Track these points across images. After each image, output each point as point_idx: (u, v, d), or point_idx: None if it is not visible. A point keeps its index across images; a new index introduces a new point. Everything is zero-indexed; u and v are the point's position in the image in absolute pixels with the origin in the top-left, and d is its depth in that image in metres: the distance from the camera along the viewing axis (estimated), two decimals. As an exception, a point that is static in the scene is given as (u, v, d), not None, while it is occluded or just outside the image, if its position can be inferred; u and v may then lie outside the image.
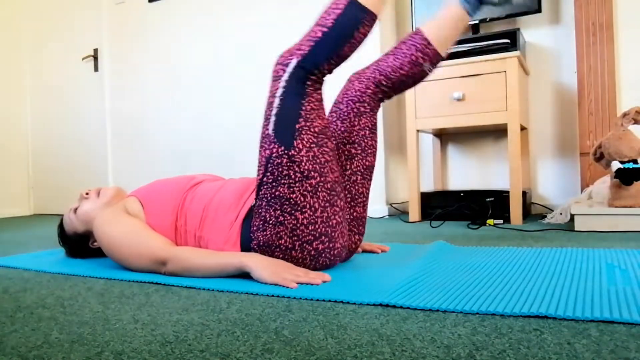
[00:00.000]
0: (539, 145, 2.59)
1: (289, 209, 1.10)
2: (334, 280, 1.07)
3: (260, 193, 1.14)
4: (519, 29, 2.28)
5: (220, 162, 3.13)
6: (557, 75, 2.53)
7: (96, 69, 3.59)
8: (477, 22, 2.48)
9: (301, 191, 1.10)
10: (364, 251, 1.45)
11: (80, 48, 3.65)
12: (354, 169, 1.24)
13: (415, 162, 2.39)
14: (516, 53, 2.17)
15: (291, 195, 1.10)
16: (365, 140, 1.25)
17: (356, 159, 1.24)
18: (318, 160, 1.11)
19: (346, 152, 1.24)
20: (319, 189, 1.11)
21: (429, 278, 1.05)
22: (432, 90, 2.33)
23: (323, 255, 1.14)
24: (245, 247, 1.18)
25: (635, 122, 1.85)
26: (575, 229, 1.83)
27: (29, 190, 3.93)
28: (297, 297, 0.96)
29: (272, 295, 0.98)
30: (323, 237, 1.13)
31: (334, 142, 1.23)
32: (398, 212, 2.79)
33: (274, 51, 2.92)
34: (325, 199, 1.12)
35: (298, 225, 1.11)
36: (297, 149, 1.09)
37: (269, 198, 1.12)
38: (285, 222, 1.11)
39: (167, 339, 0.74)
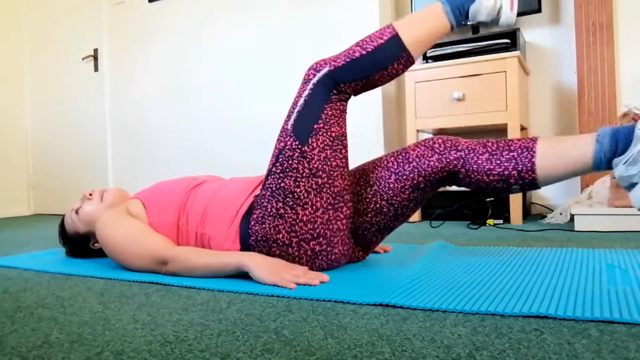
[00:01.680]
0: (539, 145, 2.58)
1: (290, 202, 1.11)
2: (334, 280, 1.07)
3: (267, 182, 1.15)
4: (519, 29, 2.28)
5: (220, 162, 3.13)
6: (557, 75, 2.53)
7: (96, 69, 3.58)
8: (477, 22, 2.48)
9: (306, 187, 1.10)
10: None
11: (80, 48, 3.64)
12: (373, 222, 1.19)
13: (415, 162, 2.38)
14: (516, 53, 2.17)
15: (295, 189, 1.11)
16: (404, 210, 1.18)
17: (382, 216, 1.18)
18: (329, 163, 1.12)
19: (378, 205, 1.17)
20: (324, 190, 1.12)
21: (429, 278, 1.05)
22: (432, 90, 2.33)
23: (320, 257, 1.15)
24: (244, 243, 1.18)
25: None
26: (575, 229, 1.83)
27: (29, 190, 3.93)
28: (297, 297, 0.96)
29: (272, 295, 0.98)
30: (321, 239, 1.13)
31: (375, 189, 1.18)
32: (398, 212, 2.79)
33: (273, 51, 2.92)
34: (329, 201, 1.12)
35: (297, 221, 1.11)
36: (310, 146, 1.11)
37: (274, 188, 1.13)
38: (285, 215, 1.12)
39: (167, 339, 0.74)
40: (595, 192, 2.04)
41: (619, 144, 0.98)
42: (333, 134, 1.13)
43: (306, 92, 1.13)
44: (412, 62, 1.15)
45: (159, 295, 1.02)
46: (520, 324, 0.74)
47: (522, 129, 2.42)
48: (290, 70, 2.83)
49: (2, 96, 3.74)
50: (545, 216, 2.26)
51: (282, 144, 1.13)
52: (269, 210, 1.13)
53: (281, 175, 1.12)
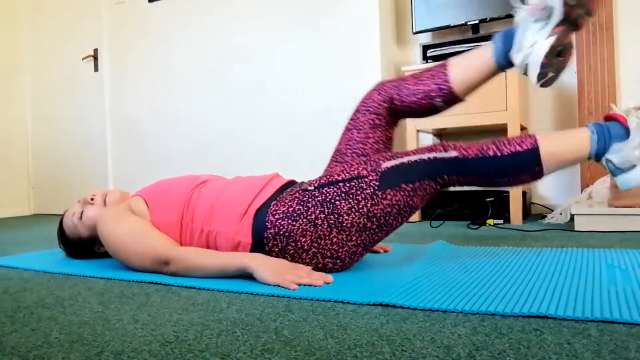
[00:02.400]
0: (539, 145, 2.58)
1: (332, 221, 1.12)
2: (334, 281, 1.07)
3: (326, 188, 1.14)
4: (519, 29, 2.28)
5: (219, 162, 3.13)
6: (557, 75, 2.53)
7: (96, 69, 3.59)
8: (477, 22, 2.48)
9: (354, 220, 1.11)
10: (366, 251, 1.45)
11: (80, 48, 3.64)
12: None
13: (415, 162, 2.38)
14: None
15: (344, 215, 1.11)
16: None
17: None
18: (387, 219, 1.13)
19: None
20: (366, 233, 1.13)
21: (429, 278, 1.05)
22: (432, 90, 2.33)
23: (327, 269, 1.17)
24: (258, 236, 1.17)
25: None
26: (575, 229, 1.83)
27: (29, 190, 3.93)
28: (297, 297, 0.96)
29: (272, 295, 0.98)
30: (338, 261, 1.15)
31: (350, 152, 1.26)
32: (398, 212, 2.79)
33: (273, 51, 2.92)
34: (365, 242, 1.15)
35: (327, 238, 1.13)
36: (384, 196, 1.10)
37: (327, 199, 1.13)
38: (320, 227, 1.12)
39: (167, 339, 0.74)
40: (595, 192, 2.04)
41: (510, 39, 1.16)
42: (410, 203, 1.12)
43: (424, 157, 1.12)
44: (540, 178, 1.12)
45: (159, 295, 1.02)
46: (520, 324, 0.74)
47: (522, 128, 2.42)
48: (291, 70, 2.83)
49: (2, 96, 3.74)
50: (545, 216, 2.26)
51: (364, 172, 1.13)
52: (309, 213, 1.13)
53: (342, 195, 1.12)
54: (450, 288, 0.96)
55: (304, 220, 1.13)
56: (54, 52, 3.77)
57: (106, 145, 3.55)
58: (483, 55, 1.21)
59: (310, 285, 1.03)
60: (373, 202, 1.10)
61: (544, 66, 1.11)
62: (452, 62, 1.24)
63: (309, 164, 2.70)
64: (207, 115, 3.17)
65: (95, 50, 3.57)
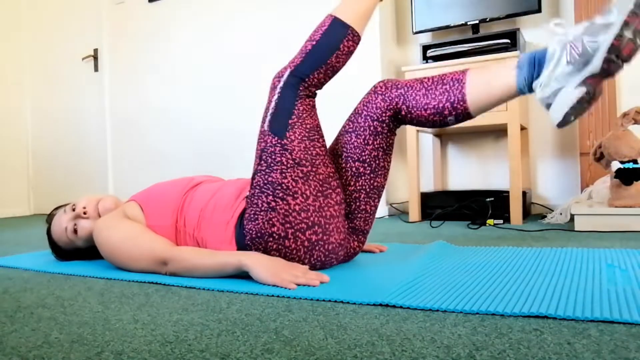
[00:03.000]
0: (539, 145, 2.59)
1: (280, 194, 1.13)
2: (334, 281, 1.08)
3: (254, 182, 1.17)
4: (519, 29, 2.28)
5: (219, 163, 3.13)
6: (557, 75, 2.52)
7: (96, 69, 3.59)
8: (477, 22, 2.48)
9: (293, 176, 1.13)
10: (362, 251, 1.45)
11: (80, 48, 3.65)
12: (358, 187, 1.22)
13: (415, 162, 2.39)
14: (516, 53, 2.17)
15: (283, 180, 1.13)
16: (377, 161, 1.22)
17: (363, 178, 1.22)
18: (310, 152, 1.15)
19: (353, 169, 1.21)
20: (311, 177, 1.14)
21: (429, 278, 1.05)
22: (432, 90, 2.33)
23: (317, 248, 1.15)
24: (241, 245, 1.18)
25: (635, 122, 1.85)
26: (575, 229, 1.83)
27: (29, 190, 3.93)
28: (297, 297, 0.96)
29: (272, 295, 0.98)
30: (316, 227, 1.14)
31: (345, 156, 1.23)
32: (398, 212, 2.79)
33: (273, 51, 2.92)
34: (317, 188, 1.14)
35: (290, 211, 1.12)
36: (289, 139, 1.14)
37: (262, 184, 1.15)
38: (277, 207, 1.13)
39: (167, 339, 0.74)
40: (595, 192, 2.04)
41: (536, 68, 1.06)
42: (308, 126, 1.17)
43: (275, 96, 1.18)
44: (358, 35, 1.21)
45: (159, 295, 1.02)
46: (520, 324, 0.74)
47: (522, 128, 2.42)
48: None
49: (2, 96, 3.74)
50: (545, 216, 2.26)
51: (262, 145, 1.17)
52: (260, 205, 1.14)
53: (267, 170, 1.14)
54: (450, 288, 0.96)
55: (261, 213, 1.14)
56: (54, 52, 3.77)
57: (106, 145, 3.55)
58: (505, 77, 1.10)
59: (306, 285, 1.03)
60: (289, 150, 1.14)
61: (568, 114, 1.03)
62: (470, 77, 1.13)
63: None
64: (207, 115, 3.17)
65: (95, 50, 3.58)
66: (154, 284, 1.13)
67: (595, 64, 0.98)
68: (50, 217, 1.45)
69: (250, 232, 1.16)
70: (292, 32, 2.85)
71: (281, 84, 1.18)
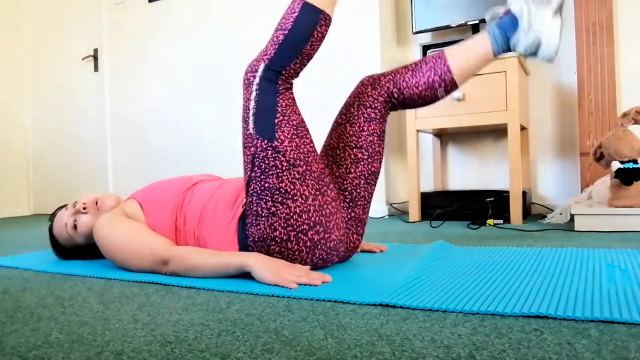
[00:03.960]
0: (539, 145, 2.59)
1: (280, 199, 1.12)
2: (334, 280, 1.08)
3: (250, 189, 1.15)
4: (519, 29, 2.28)
5: (219, 162, 3.13)
6: (557, 75, 2.53)
7: (96, 69, 3.59)
8: (477, 22, 2.48)
9: (290, 179, 1.12)
10: (362, 251, 1.45)
11: (80, 48, 3.65)
12: (358, 173, 1.24)
13: (415, 162, 2.39)
14: (516, 53, 2.17)
15: (280, 185, 1.12)
16: (373, 147, 1.25)
17: (362, 163, 1.24)
18: (302, 150, 1.14)
19: (352, 156, 1.24)
20: (307, 177, 1.13)
21: (429, 278, 1.05)
22: (432, 90, 2.33)
23: (319, 246, 1.15)
24: (243, 245, 1.18)
25: (635, 122, 1.85)
26: (575, 229, 1.83)
27: (29, 190, 3.93)
28: (297, 297, 0.96)
29: (272, 295, 0.98)
30: (318, 227, 1.14)
31: (342, 145, 1.25)
32: (398, 212, 2.79)
33: (274, 51, 2.91)
34: (314, 187, 1.14)
35: (291, 214, 1.12)
36: (279, 140, 1.13)
37: (259, 191, 1.13)
38: (278, 212, 1.12)
39: (167, 339, 0.74)
40: (595, 192, 2.04)
41: (507, 30, 1.24)
42: (294, 122, 1.16)
43: (254, 94, 1.14)
44: (329, 19, 1.17)
45: (159, 295, 1.02)
46: (520, 324, 0.74)
47: (522, 128, 2.42)
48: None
49: (2, 96, 3.74)
50: (545, 216, 2.26)
51: (252, 149, 1.14)
52: (260, 212, 1.13)
53: (262, 177, 1.13)
54: (450, 288, 0.96)
55: (262, 219, 1.13)
56: (54, 52, 3.77)
57: (106, 145, 3.55)
58: (480, 42, 1.26)
59: (308, 285, 1.03)
60: (281, 152, 1.12)
61: (559, 38, 1.24)
62: (448, 52, 1.26)
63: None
64: (207, 115, 3.17)
65: (95, 50, 3.58)
66: (154, 284, 1.13)
67: None
68: (53, 215, 1.46)
69: (253, 235, 1.15)
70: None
71: (257, 79, 1.14)
